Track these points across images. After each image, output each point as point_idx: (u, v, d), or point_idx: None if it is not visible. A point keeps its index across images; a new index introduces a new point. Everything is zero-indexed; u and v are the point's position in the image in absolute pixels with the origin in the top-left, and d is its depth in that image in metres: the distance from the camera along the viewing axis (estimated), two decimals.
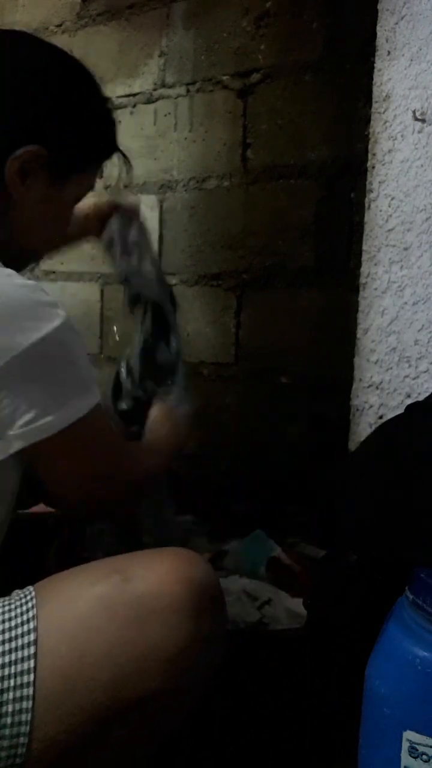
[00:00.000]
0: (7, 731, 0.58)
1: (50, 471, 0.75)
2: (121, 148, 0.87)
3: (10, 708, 0.59)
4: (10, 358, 0.65)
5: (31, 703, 0.59)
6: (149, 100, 1.63)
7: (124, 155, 0.88)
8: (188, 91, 1.56)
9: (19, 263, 0.75)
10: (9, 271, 0.70)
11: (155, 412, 0.97)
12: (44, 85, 0.76)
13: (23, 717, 0.59)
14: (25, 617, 0.62)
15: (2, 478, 0.73)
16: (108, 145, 0.84)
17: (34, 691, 0.59)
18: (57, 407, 0.68)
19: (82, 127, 0.79)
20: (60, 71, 0.78)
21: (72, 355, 0.70)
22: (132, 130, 1.67)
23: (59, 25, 1.81)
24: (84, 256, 1.61)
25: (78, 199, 0.84)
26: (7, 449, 0.68)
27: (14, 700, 0.59)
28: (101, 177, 0.87)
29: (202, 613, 0.63)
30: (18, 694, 0.59)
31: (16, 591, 0.66)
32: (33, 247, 0.83)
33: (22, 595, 0.65)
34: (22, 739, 0.59)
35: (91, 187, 0.85)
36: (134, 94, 1.66)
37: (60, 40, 1.81)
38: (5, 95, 0.74)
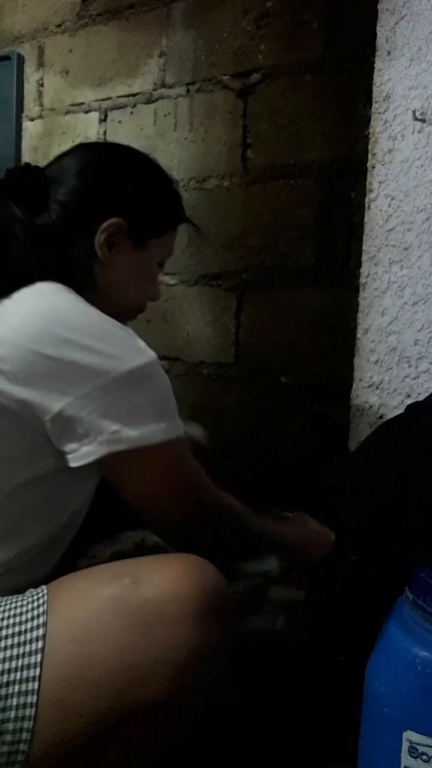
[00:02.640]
0: (10, 725, 0.59)
1: (130, 486, 0.78)
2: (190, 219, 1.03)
3: (14, 701, 0.59)
4: (110, 377, 0.72)
5: (35, 698, 0.59)
6: (149, 100, 1.63)
7: (192, 223, 1.04)
8: (188, 91, 1.56)
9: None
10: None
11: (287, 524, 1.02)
12: (120, 171, 0.93)
13: (27, 712, 0.59)
14: (35, 612, 0.63)
15: (83, 481, 0.78)
16: (176, 215, 0.99)
17: (39, 687, 0.59)
18: (141, 426, 0.73)
19: (152, 200, 0.94)
20: (131, 159, 0.95)
21: (161, 389, 0.77)
22: (132, 130, 1.67)
23: (59, 25, 1.81)
24: None
25: (161, 263, 0.99)
26: (93, 454, 0.72)
27: (19, 693, 0.59)
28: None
29: (209, 621, 0.64)
30: (24, 687, 0.59)
31: (31, 589, 0.67)
32: (127, 309, 0.95)
33: (35, 593, 0.66)
34: (24, 735, 0.59)
35: (170, 252, 1.00)
36: (134, 94, 1.66)
37: (60, 40, 1.81)
38: (90, 182, 0.89)
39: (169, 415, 0.77)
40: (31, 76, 1.90)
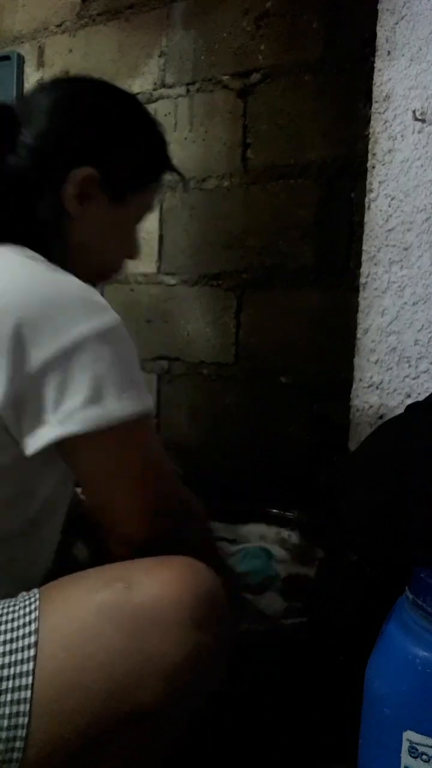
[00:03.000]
0: (3, 733, 0.58)
1: (87, 474, 0.69)
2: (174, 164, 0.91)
3: (7, 710, 0.58)
4: (63, 346, 0.64)
5: (28, 705, 0.58)
6: (149, 100, 1.63)
7: (178, 172, 0.91)
8: (188, 91, 1.56)
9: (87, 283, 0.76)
10: (70, 275, 0.71)
11: None
12: (93, 113, 0.81)
13: (20, 720, 0.58)
14: (27, 619, 0.62)
15: (49, 467, 0.70)
16: (160, 164, 0.88)
17: (31, 694, 0.58)
18: (102, 401, 0.65)
19: (132, 149, 0.83)
20: (108, 99, 0.84)
21: (124, 355, 0.68)
22: None
23: (59, 25, 1.81)
24: None
25: (139, 218, 0.88)
26: (45, 437, 0.64)
27: (11, 702, 0.58)
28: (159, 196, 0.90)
29: (204, 626, 0.62)
30: (16, 696, 0.58)
31: (23, 593, 0.66)
32: (102, 270, 0.86)
33: (27, 597, 0.64)
34: (18, 743, 0.58)
35: (149, 206, 0.89)
36: (134, 94, 1.66)
37: (60, 40, 1.81)
38: (59, 124, 0.78)
39: (134, 385, 0.68)
40: (31, 76, 1.90)
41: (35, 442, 0.65)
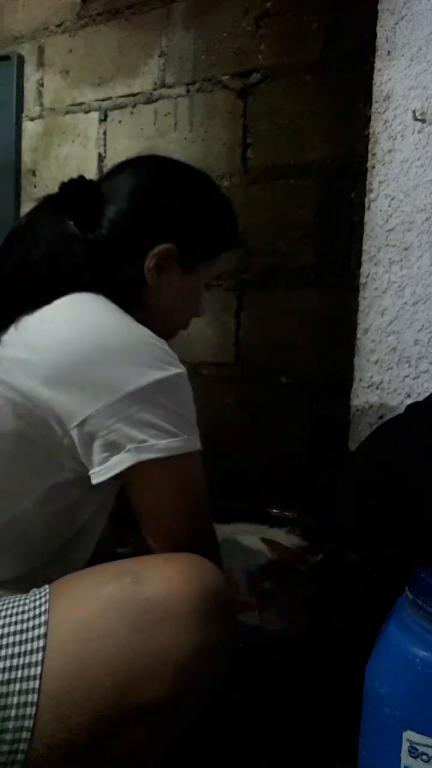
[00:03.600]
0: (11, 724, 0.59)
1: (148, 496, 0.75)
2: (241, 240, 0.99)
3: (15, 700, 0.59)
4: (135, 387, 0.71)
5: (36, 696, 0.59)
6: (149, 100, 1.63)
7: (245, 246, 1.02)
8: (188, 91, 1.56)
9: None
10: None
11: None
12: (172, 194, 0.89)
13: (28, 710, 0.59)
14: (37, 611, 0.63)
15: (94, 491, 0.75)
16: (229, 238, 0.96)
17: (40, 686, 0.59)
18: (167, 435, 0.72)
19: (205, 226, 0.92)
20: (186, 181, 0.92)
21: (187, 401, 0.76)
22: (132, 130, 1.67)
23: (59, 25, 1.81)
24: None
25: (208, 283, 0.97)
26: (123, 463, 0.71)
27: (20, 692, 0.59)
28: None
29: (210, 621, 0.64)
30: (24, 686, 0.59)
31: (34, 589, 0.67)
32: (171, 327, 0.94)
33: (37, 592, 0.66)
34: (24, 734, 0.59)
35: (217, 272, 0.97)
36: (134, 94, 1.66)
37: (60, 40, 1.81)
38: (142, 205, 0.86)
39: (192, 427, 0.76)
40: (31, 76, 1.90)
41: (111, 467, 0.71)
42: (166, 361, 0.75)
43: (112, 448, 0.71)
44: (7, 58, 1.91)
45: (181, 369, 0.76)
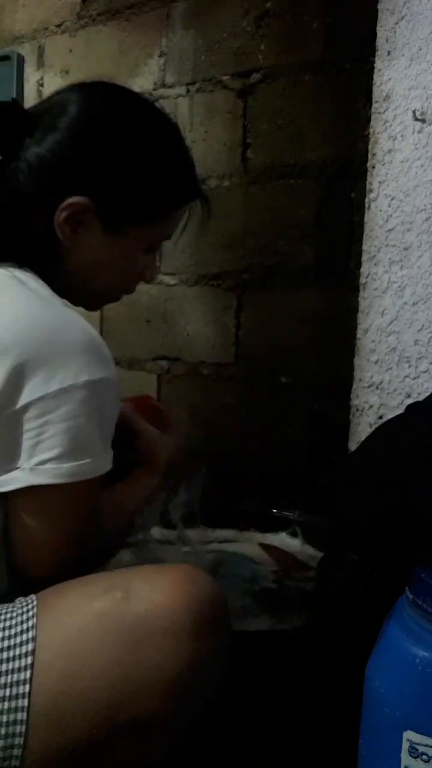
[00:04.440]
0: (0, 742, 0.57)
1: (28, 525, 0.69)
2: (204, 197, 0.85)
3: (4, 718, 0.57)
4: (50, 391, 0.65)
5: (25, 715, 0.57)
6: None
7: (206, 200, 0.86)
8: (188, 91, 1.56)
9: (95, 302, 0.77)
10: (77, 315, 0.70)
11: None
12: (96, 134, 0.76)
13: (17, 729, 0.57)
14: (24, 626, 0.61)
15: None
16: (179, 197, 0.82)
17: (29, 704, 0.57)
18: (73, 456, 0.67)
19: (141, 181, 0.78)
20: (119, 118, 0.78)
21: (108, 413, 0.70)
22: None
23: (59, 25, 1.81)
24: None
25: (153, 246, 0.83)
26: (17, 481, 0.66)
27: (9, 710, 0.57)
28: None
29: (203, 635, 0.62)
30: (13, 704, 0.58)
31: (20, 598, 0.65)
32: (100, 294, 0.83)
33: (24, 603, 0.64)
34: (16, 751, 0.57)
35: (167, 235, 0.85)
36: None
37: (60, 40, 1.81)
38: (64, 145, 0.74)
39: (106, 447, 0.70)
40: (31, 76, 1.90)
41: (6, 482, 0.66)
42: (90, 363, 0.67)
43: (10, 461, 0.66)
44: (7, 58, 1.90)
45: (111, 374, 0.69)
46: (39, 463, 0.66)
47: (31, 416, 0.66)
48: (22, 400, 0.65)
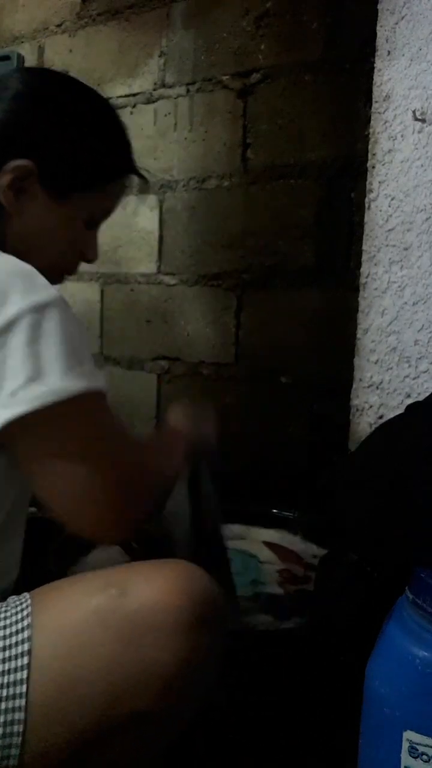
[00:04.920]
0: None
1: (51, 482, 0.66)
2: (139, 169, 0.86)
3: (2, 718, 0.57)
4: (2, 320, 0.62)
5: (23, 714, 0.57)
6: (149, 100, 1.63)
7: (141, 177, 0.86)
8: (188, 91, 1.56)
9: None
10: (9, 255, 0.68)
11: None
12: (38, 103, 0.78)
13: (15, 728, 0.57)
14: (20, 626, 0.61)
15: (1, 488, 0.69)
16: (116, 168, 0.83)
17: (26, 702, 0.58)
18: (45, 378, 0.62)
19: (82, 148, 0.79)
20: (66, 95, 0.80)
21: (70, 331, 0.66)
22: (132, 130, 1.66)
23: (59, 25, 1.81)
24: None
25: (94, 220, 0.83)
26: None
27: (6, 710, 0.58)
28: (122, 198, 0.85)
29: (199, 631, 0.61)
30: (10, 704, 0.58)
31: (12, 597, 0.65)
32: (45, 266, 0.79)
33: (18, 602, 0.63)
34: (14, 750, 0.58)
35: (107, 209, 0.84)
36: (134, 94, 1.66)
37: (60, 40, 1.81)
38: (10, 112, 0.76)
39: (80, 362, 0.65)
40: None
41: None
42: (31, 287, 0.65)
43: None
44: (7, 58, 1.90)
45: (54, 294, 0.66)
46: (10, 395, 0.61)
47: None
48: None
